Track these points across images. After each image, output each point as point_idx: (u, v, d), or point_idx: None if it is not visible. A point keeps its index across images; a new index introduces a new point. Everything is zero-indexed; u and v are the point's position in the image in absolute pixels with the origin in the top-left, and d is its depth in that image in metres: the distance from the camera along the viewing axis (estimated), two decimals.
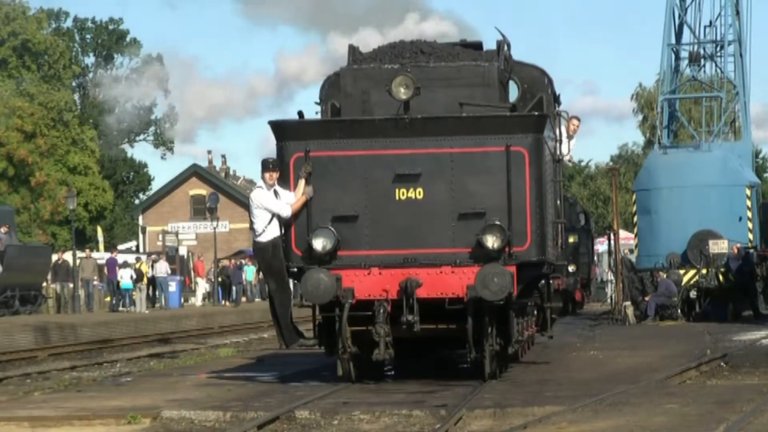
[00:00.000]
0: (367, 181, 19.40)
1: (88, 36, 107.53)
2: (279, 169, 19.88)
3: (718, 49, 54.61)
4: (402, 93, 18.93)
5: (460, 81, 20.21)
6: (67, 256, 63.26)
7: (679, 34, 54.82)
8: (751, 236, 47.55)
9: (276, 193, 19.74)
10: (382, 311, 18.88)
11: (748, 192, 49.20)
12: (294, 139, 19.70)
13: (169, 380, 23.28)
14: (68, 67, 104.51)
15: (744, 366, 24.32)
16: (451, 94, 19.99)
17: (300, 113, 20.55)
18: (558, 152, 22.72)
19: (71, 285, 60.75)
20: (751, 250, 45.38)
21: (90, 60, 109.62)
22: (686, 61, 55.28)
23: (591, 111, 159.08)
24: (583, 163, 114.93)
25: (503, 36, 21.38)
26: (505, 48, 21.30)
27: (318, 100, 21.43)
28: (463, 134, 19.22)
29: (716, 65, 55.20)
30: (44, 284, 58.97)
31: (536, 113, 20.29)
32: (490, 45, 21.74)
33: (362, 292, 19.01)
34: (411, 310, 18.71)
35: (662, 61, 54.90)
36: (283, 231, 19.74)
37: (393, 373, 22.77)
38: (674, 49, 54.83)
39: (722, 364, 24.63)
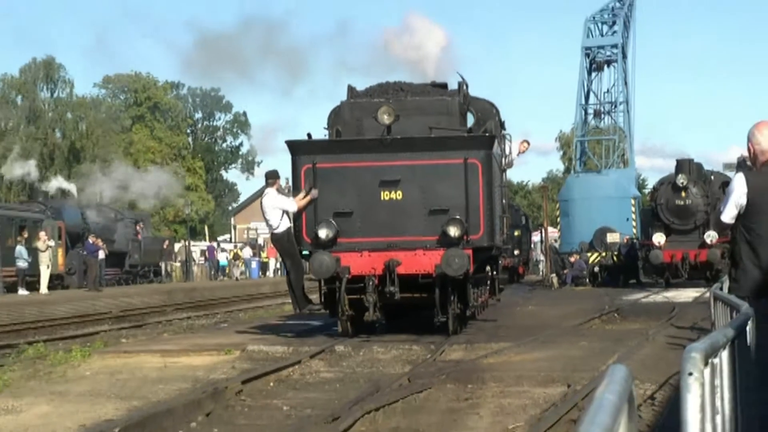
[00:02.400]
0: (359, 186, 17.63)
1: (197, 99, 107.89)
2: (278, 176, 18.64)
3: (613, 107, 55.21)
4: (386, 119, 17.35)
5: (430, 111, 18.56)
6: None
7: (587, 97, 55.45)
8: (635, 231, 47.71)
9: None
10: (371, 284, 17.16)
11: (632, 202, 50.22)
12: (304, 154, 17.86)
13: (251, 326, 22.53)
14: (184, 120, 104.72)
15: (630, 316, 24.15)
16: (423, 121, 18.29)
17: (309, 135, 18.71)
18: (504, 164, 21.09)
19: (173, 263, 61.26)
20: (635, 240, 45.48)
21: (198, 115, 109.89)
22: (592, 115, 55.83)
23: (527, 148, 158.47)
24: (524, 183, 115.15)
25: (462, 78, 19.65)
26: (464, 87, 19.52)
27: (326, 126, 19.62)
28: (432, 150, 17.49)
29: (611, 118, 55.77)
30: (161, 263, 59.57)
31: (486, 135, 18.40)
32: (452, 85, 20.00)
33: (356, 269, 17.22)
34: (393, 283, 17.03)
35: (576, 115, 55.60)
36: (292, 223, 18.05)
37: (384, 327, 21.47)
38: (584, 107, 55.33)
39: (616, 315, 24.29)
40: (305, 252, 17.81)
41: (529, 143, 22.14)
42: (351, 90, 19.43)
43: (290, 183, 19.82)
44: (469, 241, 17.14)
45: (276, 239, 18.48)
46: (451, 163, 17.32)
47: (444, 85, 20.00)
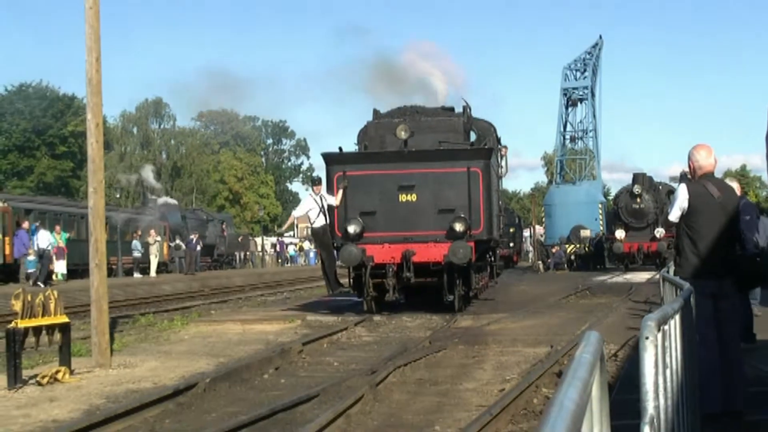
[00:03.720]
0: (381, 190, 16.97)
1: (269, 128, 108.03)
2: (321, 183, 17.67)
3: (584, 134, 55.27)
4: (403, 135, 16.86)
5: (439, 129, 17.94)
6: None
7: (565, 126, 55.60)
8: (601, 228, 47.55)
9: (322, 197, 17.33)
10: (391, 270, 16.56)
11: (599, 206, 50.17)
12: (337, 164, 17.21)
13: (309, 302, 22.54)
14: (258, 144, 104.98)
15: (598, 293, 23.87)
16: (434, 137, 17.72)
17: (340, 148, 17.92)
18: (500, 172, 20.43)
19: (245, 252, 61.14)
20: (602, 235, 45.39)
21: (269, 140, 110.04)
22: (569, 140, 55.84)
23: (519, 165, 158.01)
24: (517, 192, 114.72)
25: (466, 102, 18.95)
26: (468, 110, 18.80)
27: (356, 141, 18.97)
28: (441, 160, 16.82)
29: (583, 142, 55.79)
30: (239, 253, 59.70)
31: (486, 148, 17.71)
32: (458, 108, 19.24)
33: (378, 258, 16.63)
34: (409, 269, 16.45)
35: (556, 140, 55.69)
36: (328, 220, 17.30)
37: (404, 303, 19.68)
38: (562, 134, 55.47)
39: (587, 292, 24.11)
40: (337, 244, 17.33)
41: (507, 147, 21.80)
42: (376, 113, 18.89)
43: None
44: (471, 235, 16.65)
45: (314, 233, 17.97)
46: (457, 171, 16.82)
47: (451, 109, 19.40)
